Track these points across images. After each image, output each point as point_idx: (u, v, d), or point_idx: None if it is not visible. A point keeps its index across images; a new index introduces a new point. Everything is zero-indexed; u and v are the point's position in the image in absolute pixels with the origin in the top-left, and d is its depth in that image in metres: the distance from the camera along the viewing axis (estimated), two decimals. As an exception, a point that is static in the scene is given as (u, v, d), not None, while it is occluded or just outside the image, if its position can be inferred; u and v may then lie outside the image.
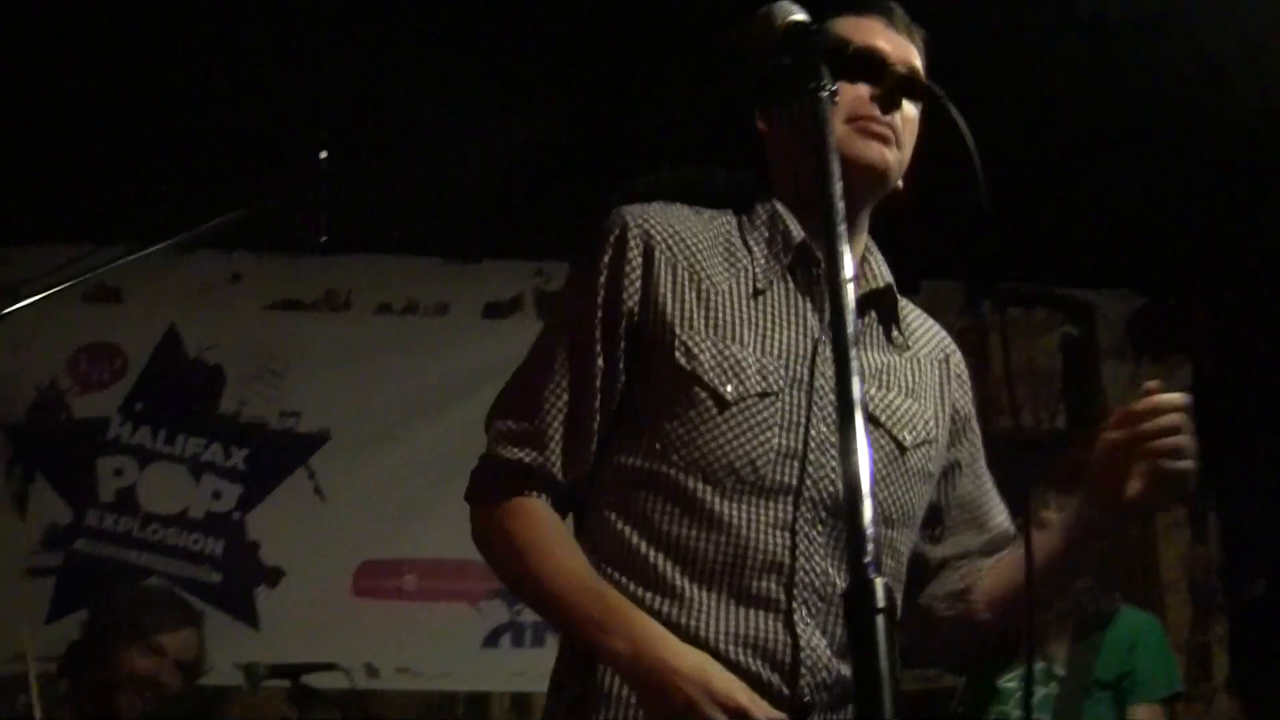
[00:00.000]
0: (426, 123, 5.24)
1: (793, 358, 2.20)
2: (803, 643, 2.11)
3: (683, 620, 2.11)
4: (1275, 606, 6.31)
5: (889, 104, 2.17)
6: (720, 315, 2.21)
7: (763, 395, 2.16)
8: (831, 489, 2.16)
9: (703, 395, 2.16)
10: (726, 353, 2.18)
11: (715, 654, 2.08)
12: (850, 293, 1.66)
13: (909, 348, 2.40)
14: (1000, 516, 2.49)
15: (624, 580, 2.15)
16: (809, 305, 2.27)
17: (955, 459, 2.45)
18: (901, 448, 2.28)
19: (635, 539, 2.17)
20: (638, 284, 2.22)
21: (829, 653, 2.13)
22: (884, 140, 2.24)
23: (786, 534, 2.14)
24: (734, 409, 2.15)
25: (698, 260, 2.25)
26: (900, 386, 2.34)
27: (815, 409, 2.18)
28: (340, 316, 6.49)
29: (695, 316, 2.20)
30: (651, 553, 2.15)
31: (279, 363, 6.37)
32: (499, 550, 2.25)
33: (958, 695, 4.78)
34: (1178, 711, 4.87)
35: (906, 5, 2.36)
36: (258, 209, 3.42)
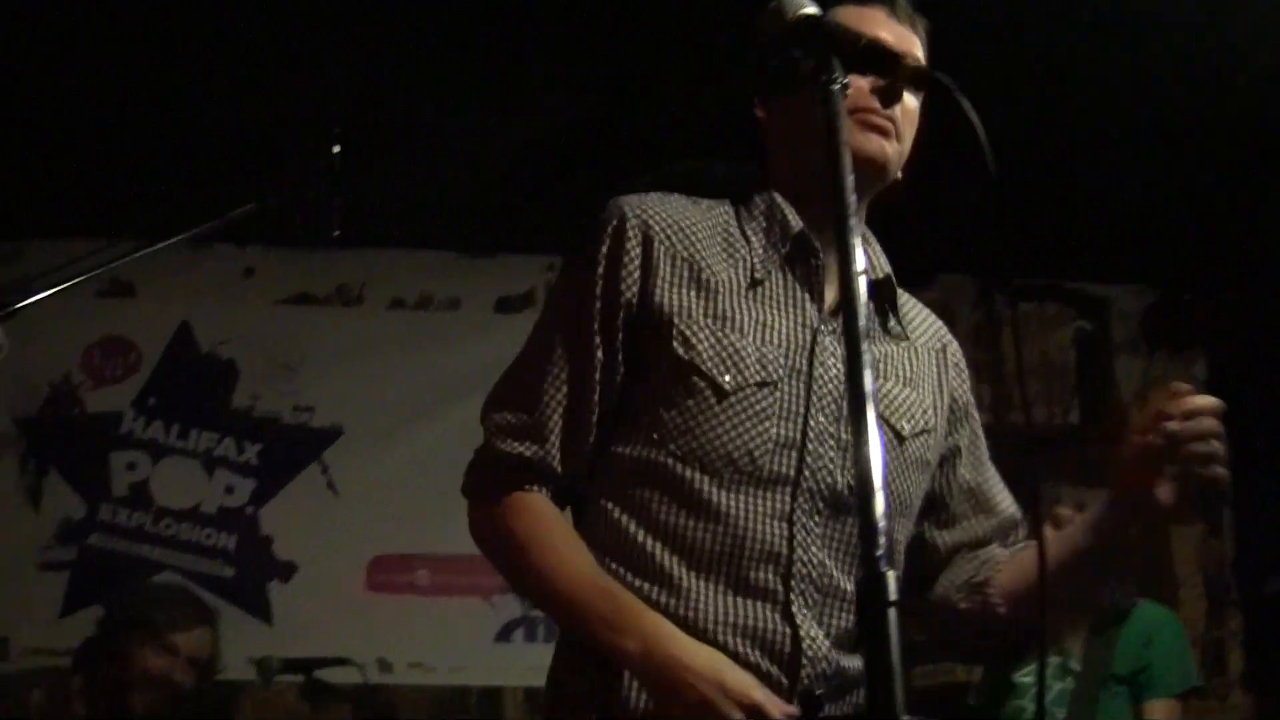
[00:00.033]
0: (438, 117, 5.24)
1: (792, 347, 2.20)
2: (803, 633, 2.11)
3: (680, 610, 2.10)
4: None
5: (889, 97, 2.15)
6: (719, 305, 2.20)
7: (761, 385, 2.16)
8: (830, 480, 2.16)
9: (701, 385, 2.15)
10: (725, 342, 2.17)
11: (713, 644, 2.08)
12: (862, 285, 1.66)
13: (906, 338, 2.39)
14: (1006, 501, 2.48)
15: (622, 571, 2.15)
16: (807, 295, 2.26)
17: (954, 445, 2.45)
18: (900, 437, 2.27)
19: (633, 529, 2.16)
20: (636, 275, 2.21)
21: (827, 644, 2.14)
22: (884, 133, 2.23)
23: (784, 524, 2.14)
24: (732, 399, 2.14)
25: (697, 250, 2.24)
26: (898, 376, 2.33)
27: (814, 399, 2.18)
28: (353, 311, 6.49)
29: (694, 307, 2.19)
30: (649, 542, 2.15)
31: (292, 357, 6.38)
32: (500, 546, 2.24)
33: (974, 689, 4.78)
34: (1194, 706, 4.84)
35: (912, -4, 2.36)
36: (270, 204, 3.42)
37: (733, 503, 2.13)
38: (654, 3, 4.60)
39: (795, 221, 2.27)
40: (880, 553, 1.48)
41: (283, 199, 3.44)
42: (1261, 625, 6.48)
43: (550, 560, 2.16)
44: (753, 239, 2.28)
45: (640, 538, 2.16)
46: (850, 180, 1.73)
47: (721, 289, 2.22)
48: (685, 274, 2.21)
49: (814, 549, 2.15)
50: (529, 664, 6.00)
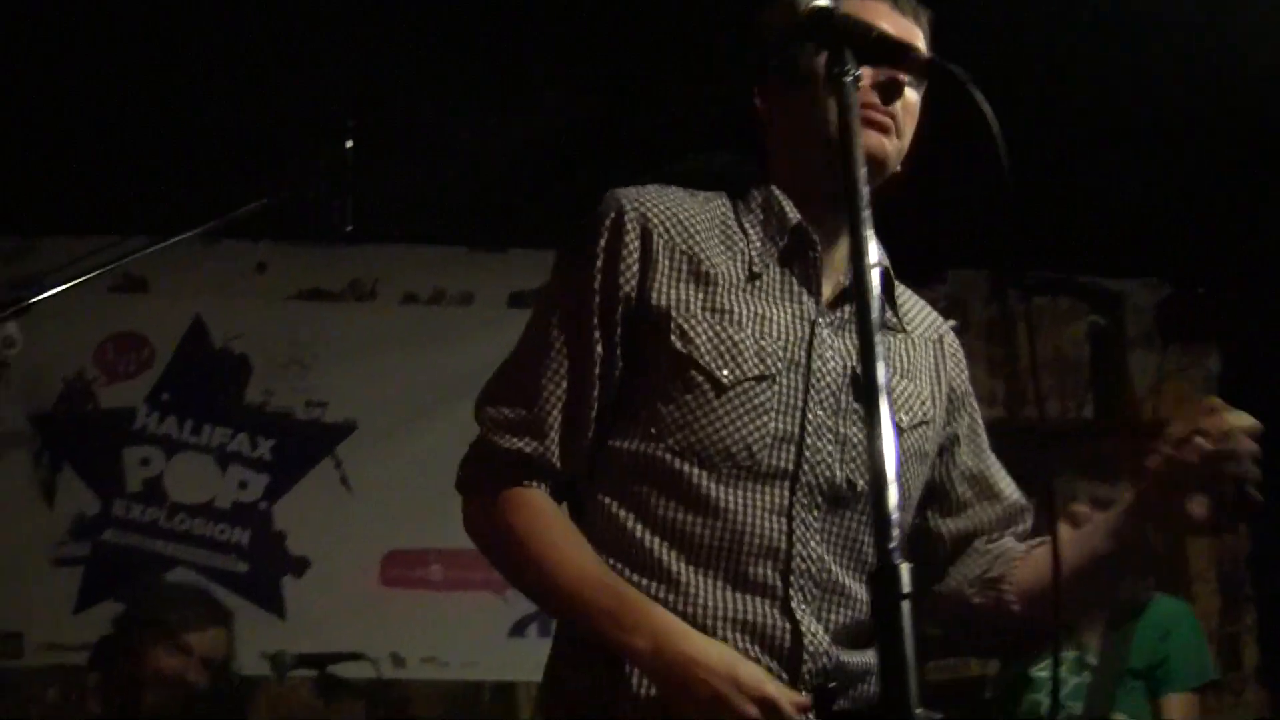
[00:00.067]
0: (450, 111, 5.23)
1: (790, 340, 2.19)
2: (803, 628, 2.10)
3: (679, 606, 2.09)
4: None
5: (890, 93, 2.15)
6: (718, 298, 2.19)
7: (759, 379, 2.15)
8: (828, 474, 2.16)
9: (699, 379, 2.14)
10: (723, 335, 2.16)
11: (713, 639, 2.07)
12: (875, 277, 1.65)
13: (903, 329, 2.38)
14: (1010, 488, 2.47)
15: (620, 567, 2.14)
16: (805, 288, 2.25)
17: (953, 433, 2.43)
18: (898, 429, 2.25)
19: (631, 524, 2.15)
20: (635, 268, 2.20)
21: (827, 639, 2.13)
22: (883, 129, 2.21)
23: (783, 519, 2.13)
24: (730, 393, 2.13)
25: (696, 242, 2.22)
26: (895, 368, 2.32)
27: (812, 392, 2.17)
28: (366, 306, 6.50)
29: (692, 300, 2.18)
30: (648, 538, 2.14)
31: (305, 352, 6.38)
32: (500, 542, 2.22)
33: (990, 683, 4.76)
34: (1209, 701, 4.82)
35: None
36: (282, 199, 3.43)
37: (731, 498, 2.12)
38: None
39: (793, 214, 2.26)
40: (894, 545, 1.48)
41: (295, 194, 3.45)
42: (1276, 620, 6.47)
43: (552, 556, 2.14)
44: (750, 232, 2.27)
45: (639, 533, 2.14)
46: (863, 171, 1.73)
47: (720, 282, 2.20)
48: (684, 267, 2.20)
49: (813, 544, 2.14)
50: (543, 659, 5.92)
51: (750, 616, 2.10)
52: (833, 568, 2.16)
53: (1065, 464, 4.54)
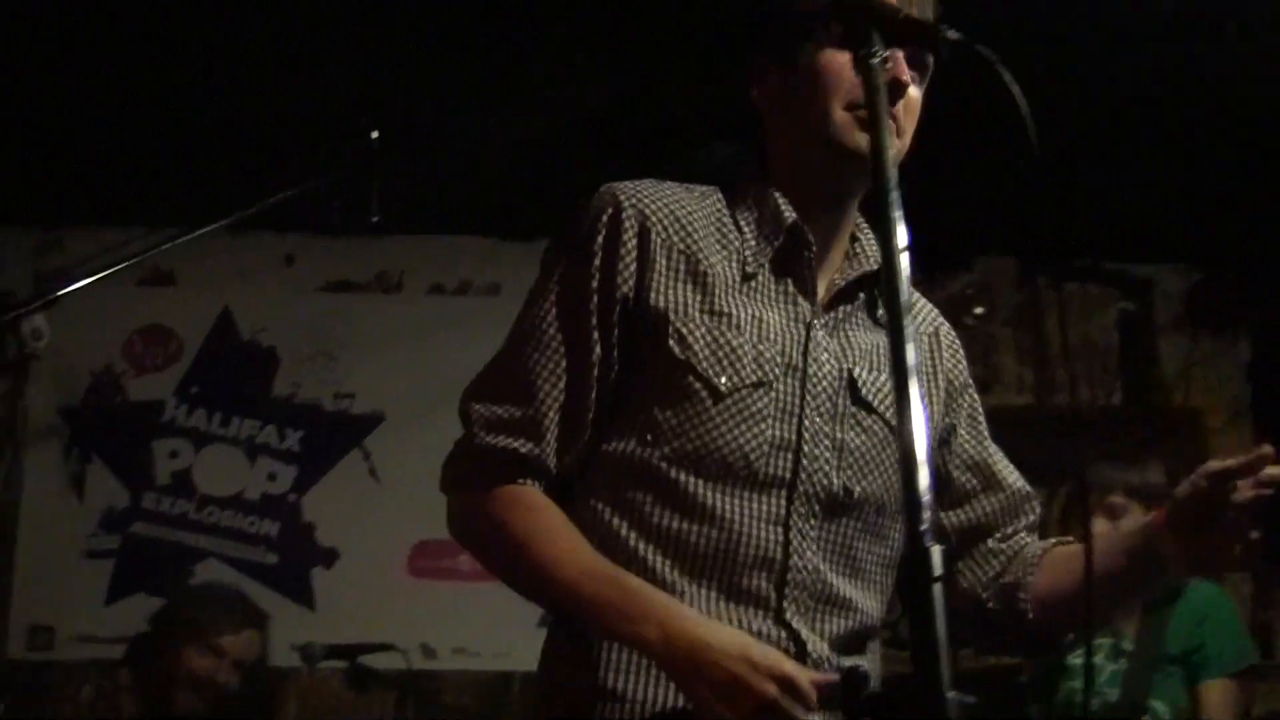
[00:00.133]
0: (477, 101, 5.23)
1: (786, 344, 2.16)
2: (804, 636, 2.08)
3: None
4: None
5: (893, 93, 2.11)
6: (715, 300, 2.15)
7: (757, 385, 2.11)
8: (825, 481, 2.13)
9: (696, 386, 2.10)
10: (722, 340, 2.12)
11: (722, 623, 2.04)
12: (905, 262, 1.63)
13: None
14: (1012, 476, 2.43)
15: None
16: (800, 289, 2.21)
17: (951, 423, 2.40)
18: (895, 431, 2.22)
19: (625, 531, 2.11)
20: (633, 268, 2.15)
21: (824, 645, 2.11)
22: None
23: (779, 529, 2.10)
24: (728, 400, 2.10)
25: (693, 241, 2.18)
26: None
27: (809, 398, 2.14)
28: (393, 297, 6.51)
29: (690, 303, 2.14)
30: (641, 545, 2.10)
31: (332, 344, 6.39)
32: (494, 540, 2.17)
33: (1025, 669, 4.72)
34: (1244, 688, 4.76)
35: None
36: (309, 190, 3.43)
37: (727, 506, 2.09)
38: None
39: (789, 214, 2.21)
40: (924, 528, 1.47)
41: (321, 185, 3.45)
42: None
43: (551, 553, 2.08)
44: (745, 229, 2.23)
45: (632, 541, 2.10)
46: (891, 153, 1.71)
47: (717, 282, 2.16)
48: (681, 267, 2.16)
49: (809, 554, 2.12)
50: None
51: (746, 627, 2.06)
52: (829, 577, 2.14)
53: (1096, 451, 4.51)
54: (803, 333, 2.18)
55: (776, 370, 2.13)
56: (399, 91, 5.01)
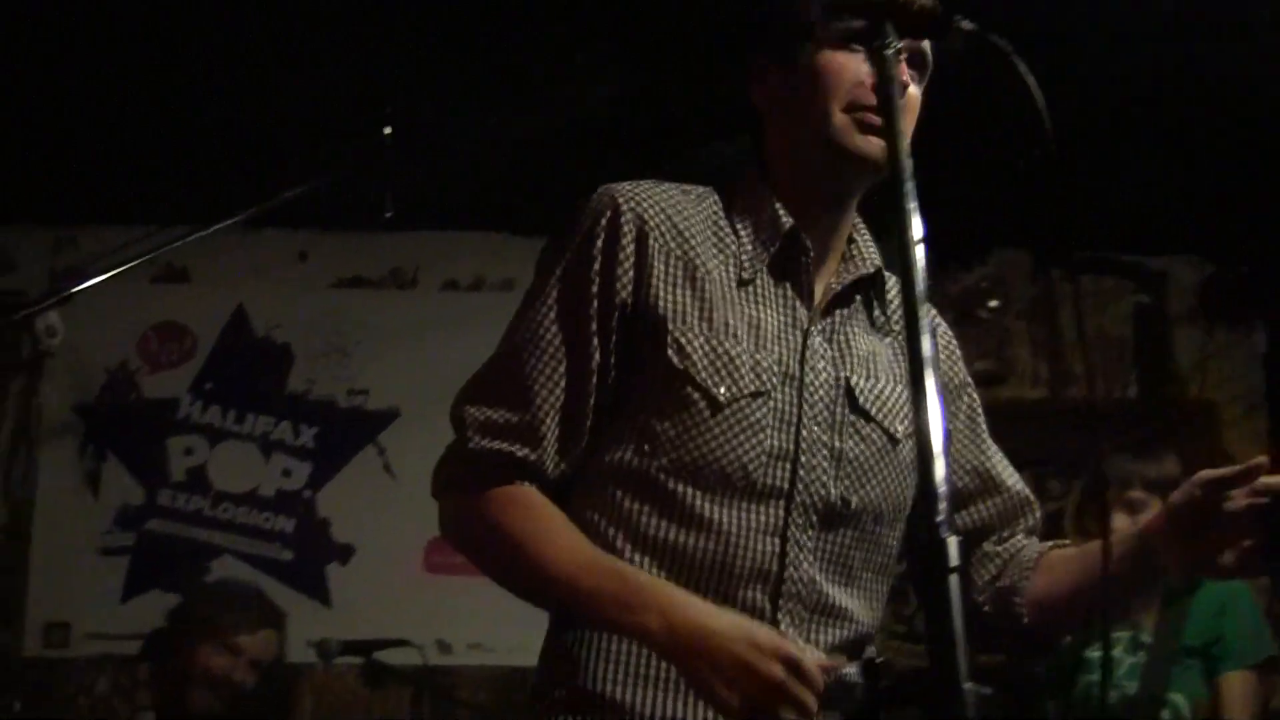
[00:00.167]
0: (489, 97, 5.23)
1: (784, 351, 2.14)
2: (801, 644, 2.05)
3: None
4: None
5: None
6: (713, 307, 2.13)
7: (755, 395, 2.09)
8: (823, 491, 2.12)
9: (695, 396, 2.08)
10: (720, 349, 2.10)
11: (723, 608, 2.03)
12: (920, 254, 1.63)
13: (892, 330, 2.32)
14: (1012, 479, 2.42)
15: None
16: (797, 295, 2.20)
17: (949, 426, 2.37)
18: (893, 440, 2.21)
19: (620, 542, 2.10)
20: (631, 273, 2.13)
21: (823, 655, 2.08)
22: (879, 132, 2.08)
23: (776, 540, 2.09)
24: (726, 411, 2.08)
25: (691, 246, 2.17)
26: (889, 374, 2.26)
27: (806, 407, 2.13)
28: (407, 293, 6.51)
29: (689, 310, 2.12)
30: (636, 556, 2.08)
31: (347, 340, 6.40)
32: (488, 540, 2.16)
33: (1044, 659, 4.70)
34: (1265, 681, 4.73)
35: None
36: (322, 186, 3.43)
37: (724, 517, 2.08)
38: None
39: (786, 219, 2.20)
40: (940, 519, 1.46)
41: (335, 181, 3.45)
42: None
43: (549, 550, 2.07)
44: (742, 233, 2.22)
45: (627, 552, 2.09)
46: (905, 144, 1.71)
47: (714, 288, 2.14)
48: (679, 272, 2.14)
49: (805, 565, 2.11)
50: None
51: None
52: (825, 588, 2.13)
53: (1112, 444, 4.49)
54: (799, 340, 2.17)
55: (774, 379, 2.12)
56: (411, 89, 5.00)
